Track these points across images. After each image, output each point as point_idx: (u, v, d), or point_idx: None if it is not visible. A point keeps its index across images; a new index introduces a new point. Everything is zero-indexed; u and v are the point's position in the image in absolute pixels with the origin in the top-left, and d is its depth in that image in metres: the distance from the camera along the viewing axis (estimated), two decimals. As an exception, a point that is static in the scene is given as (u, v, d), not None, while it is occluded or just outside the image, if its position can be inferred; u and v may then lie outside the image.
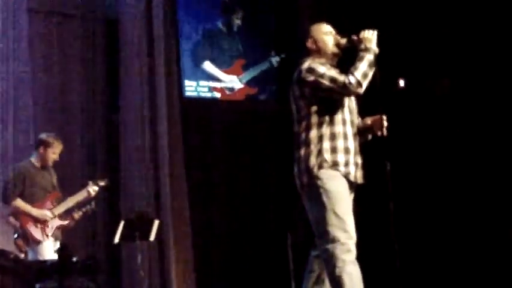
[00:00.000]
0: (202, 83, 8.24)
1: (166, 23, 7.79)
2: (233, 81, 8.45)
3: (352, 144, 3.88)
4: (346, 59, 3.98)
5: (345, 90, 3.79)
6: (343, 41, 3.98)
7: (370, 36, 3.88)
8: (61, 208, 5.88)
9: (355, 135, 3.93)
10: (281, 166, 7.40)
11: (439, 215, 7.20)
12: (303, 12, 8.25)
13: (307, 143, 3.83)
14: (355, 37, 3.91)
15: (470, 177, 7.08)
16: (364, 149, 4.00)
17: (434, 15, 7.39)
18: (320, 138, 3.82)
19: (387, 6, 7.49)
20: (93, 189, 6.01)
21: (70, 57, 7.43)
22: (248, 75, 8.51)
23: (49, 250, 5.70)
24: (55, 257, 5.57)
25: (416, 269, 6.47)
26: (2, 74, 6.85)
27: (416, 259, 6.76)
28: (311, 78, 3.82)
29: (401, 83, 5.02)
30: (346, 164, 3.82)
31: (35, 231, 5.71)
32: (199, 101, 8.22)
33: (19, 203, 5.75)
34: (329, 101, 3.85)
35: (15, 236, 5.78)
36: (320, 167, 3.77)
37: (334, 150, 3.80)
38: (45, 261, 5.47)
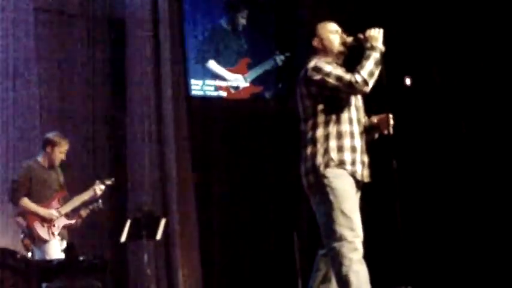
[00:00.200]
0: (209, 81, 8.25)
1: (172, 23, 7.80)
2: (238, 80, 8.45)
3: (358, 142, 3.87)
4: (352, 58, 3.97)
5: (351, 88, 3.78)
6: (349, 39, 3.97)
7: (376, 35, 3.87)
8: (68, 207, 5.88)
9: (361, 133, 3.92)
10: (287, 164, 7.40)
11: (446, 213, 7.20)
12: (305, 9, 8.27)
13: (313, 141, 3.82)
14: (361, 35, 3.90)
15: (477, 175, 7.06)
16: (371, 147, 3.99)
17: (441, 13, 7.37)
18: (326, 137, 3.80)
19: (392, 3, 7.48)
20: (99, 188, 6.01)
21: (75, 57, 7.44)
22: (253, 74, 8.51)
23: (56, 249, 5.70)
24: (62, 256, 5.60)
25: (423, 267, 6.47)
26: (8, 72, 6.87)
27: (423, 257, 6.76)
28: (317, 76, 3.81)
29: (408, 81, 5.01)
30: (353, 163, 3.81)
31: (42, 230, 5.70)
32: (205, 100, 8.23)
33: (26, 202, 5.75)
34: (335, 99, 3.83)
35: (22, 235, 5.79)
36: (327, 165, 3.76)
37: (340, 149, 3.79)
38: (51, 261, 5.47)
